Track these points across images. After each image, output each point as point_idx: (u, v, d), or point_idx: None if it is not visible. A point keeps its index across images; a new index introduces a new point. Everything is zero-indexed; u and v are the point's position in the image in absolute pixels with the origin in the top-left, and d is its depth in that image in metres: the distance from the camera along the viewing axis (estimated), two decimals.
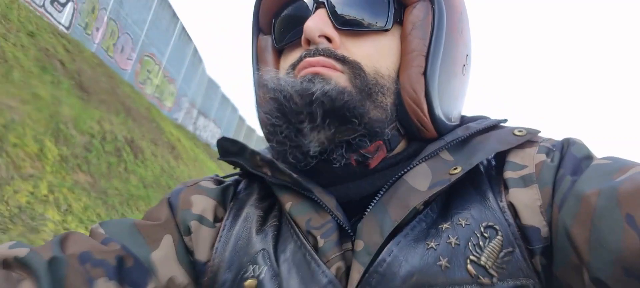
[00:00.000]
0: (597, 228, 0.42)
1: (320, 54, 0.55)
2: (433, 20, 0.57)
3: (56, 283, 0.47)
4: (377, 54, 0.57)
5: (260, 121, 0.61)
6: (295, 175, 0.55)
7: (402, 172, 0.55)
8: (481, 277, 0.46)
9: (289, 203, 0.57)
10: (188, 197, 0.61)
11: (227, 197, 0.63)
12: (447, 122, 0.59)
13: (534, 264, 0.47)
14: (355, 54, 0.56)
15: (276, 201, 0.61)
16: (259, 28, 0.67)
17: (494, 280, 0.46)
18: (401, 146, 0.59)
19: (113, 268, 0.51)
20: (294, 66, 0.57)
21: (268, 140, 0.58)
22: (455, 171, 0.52)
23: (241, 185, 0.65)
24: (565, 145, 0.53)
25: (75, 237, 0.54)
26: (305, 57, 0.55)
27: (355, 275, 0.48)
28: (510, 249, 0.48)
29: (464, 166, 0.53)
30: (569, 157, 0.51)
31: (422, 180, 0.53)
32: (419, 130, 0.58)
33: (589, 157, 0.52)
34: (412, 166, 0.55)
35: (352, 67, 0.54)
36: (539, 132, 0.57)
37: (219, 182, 0.65)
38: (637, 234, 0.39)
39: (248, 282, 0.52)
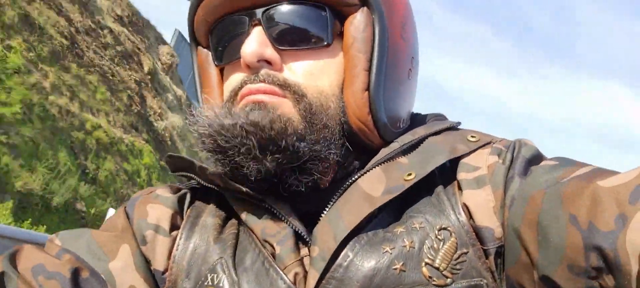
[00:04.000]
0: (543, 228, 0.43)
1: (261, 80, 0.54)
2: (373, 32, 0.56)
3: None
4: (320, 71, 0.56)
5: (202, 149, 0.59)
6: (244, 189, 0.55)
7: (356, 177, 0.55)
8: (435, 279, 0.47)
9: (245, 213, 0.57)
10: (144, 206, 0.60)
11: (184, 205, 0.62)
12: (394, 130, 0.59)
13: (489, 264, 0.48)
14: (297, 74, 0.55)
15: (232, 212, 0.61)
16: (197, 41, 0.65)
17: (448, 281, 0.47)
18: (351, 157, 0.59)
19: (67, 280, 0.50)
20: (235, 93, 0.56)
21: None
22: (410, 177, 0.53)
23: (199, 193, 0.64)
24: (517, 146, 0.54)
25: (27, 251, 0.53)
26: (246, 83, 0.55)
27: (311, 280, 0.49)
28: (465, 251, 0.48)
29: (419, 172, 0.53)
30: (519, 158, 0.52)
31: (376, 185, 0.53)
32: (366, 143, 0.58)
33: (538, 157, 0.53)
34: (366, 171, 0.55)
35: (294, 92, 0.54)
36: (492, 136, 0.58)
37: (176, 189, 0.65)
38: (580, 233, 0.40)
39: None
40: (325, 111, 0.55)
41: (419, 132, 0.59)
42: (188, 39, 0.67)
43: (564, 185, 0.44)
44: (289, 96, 0.54)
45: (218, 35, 0.60)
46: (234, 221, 0.59)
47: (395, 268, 0.48)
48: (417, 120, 0.65)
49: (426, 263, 0.48)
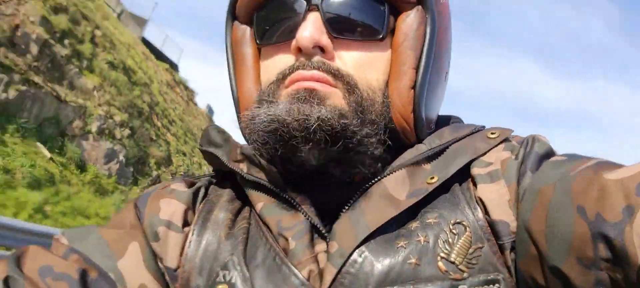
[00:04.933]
0: (552, 220, 0.44)
1: (314, 68, 0.53)
2: (425, 32, 0.57)
3: None
4: (369, 64, 0.56)
5: (247, 134, 0.58)
6: (274, 169, 0.55)
7: (380, 177, 0.54)
8: (452, 273, 0.47)
9: (261, 203, 0.56)
10: (156, 201, 0.59)
11: (197, 200, 0.61)
12: (427, 129, 0.59)
13: (505, 258, 0.49)
14: (348, 64, 0.55)
15: (246, 203, 0.60)
16: (234, 16, 0.63)
17: (465, 275, 0.47)
18: (384, 154, 0.58)
19: (76, 282, 0.49)
20: (284, 76, 0.55)
21: (258, 151, 0.57)
22: (433, 180, 0.53)
23: (212, 187, 0.63)
24: (530, 142, 0.54)
25: (33, 252, 0.52)
26: (297, 68, 0.54)
27: (328, 276, 0.49)
28: (480, 245, 0.49)
29: (441, 176, 0.53)
30: (532, 154, 0.53)
31: (400, 188, 0.53)
32: (401, 140, 0.58)
33: (550, 153, 0.54)
34: (391, 171, 0.55)
35: (346, 82, 0.54)
36: (512, 131, 0.58)
37: (191, 183, 0.63)
38: (587, 224, 0.41)
39: (220, 287, 0.51)
40: (372, 105, 0.55)
41: (446, 135, 0.58)
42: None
43: (573, 179, 0.44)
44: (340, 86, 0.53)
45: (268, 13, 0.59)
46: (244, 215, 0.59)
47: (410, 263, 0.48)
48: (440, 122, 0.65)
49: (441, 258, 0.48)
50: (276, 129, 0.52)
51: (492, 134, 0.57)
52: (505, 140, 0.57)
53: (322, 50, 0.54)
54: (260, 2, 0.59)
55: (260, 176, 0.57)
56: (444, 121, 0.65)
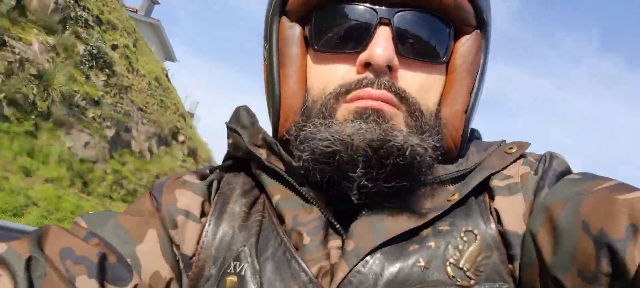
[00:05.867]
0: (558, 234, 0.45)
1: (385, 88, 0.52)
2: (482, 58, 0.57)
3: (35, 281, 0.46)
4: (429, 87, 0.56)
5: (297, 142, 0.55)
6: (295, 163, 0.54)
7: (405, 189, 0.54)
8: (459, 279, 0.48)
9: (278, 196, 0.56)
10: (172, 191, 0.60)
11: (212, 192, 0.62)
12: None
13: (513, 269, 0.49)
14: (411, 86, 0.54)
15: (260, 195, 0.60)
16: (284, 10, 0.59)
17: (472, 282, 0.48)
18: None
19: (95, 266, 0.50)
20: (348, 90, 0.53)
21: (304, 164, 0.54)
22: (453, 197, 0.53)
23: (224, 180, 0.64)
24: (548, 159, 0.55)
25: (55, 232, 0.52)
26: (366, 85, 0.52)
27: (340, 273, 0.49)
28: (489, 254, 0.50)
29: (461, 192, 0.54)
30: (550, 171, 0.53)
31: (423, 202, 0.53)
32: (443, 158, 0.57)
33: (567, 171, 0.54)
34: (418, 186, 0.54)
35: (411, 105, 0.53)
36: (529, 144, 0.59)
37: (202, 176, 0.64)
38: (591, 239, 0.41)
39: (229, 279, 0.52)
40: (430, 129, 0.54)
41: (472, 157, 0.58)
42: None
43: (584, 197, 0.45)
44: (403, 109, 0.53)
45: (331, 17, 0.56)
46: (258, 207, 0.59)
47: (419, 266, 0.49)
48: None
49: (450, 263, 0.49)
50: (336, 152, 0.50)
51: (510, 149, 0.58)
52: (522, 155, 0.58)
53: (390, 68, 0.53)
54: (319, 3, 0.56)
55: (279, 166, 0.56)
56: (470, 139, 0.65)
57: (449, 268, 0.48)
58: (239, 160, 0.63)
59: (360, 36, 0.53)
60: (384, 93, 0.52)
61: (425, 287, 0.48)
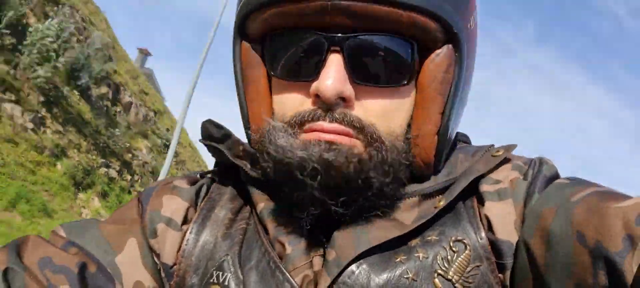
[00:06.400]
0: (552, 245, 0.44)
1: (336, 121, 0.49)
2: (454, 73, 0.53)
3: None
4: (393, 112, 0.52)
5: (258, 151, 0.56)
6: (252, 173, 0.54)
7: (390, 201, 0.53)
8: None
9: (262, 204, 0.56)
10: (159, 197, 0.59)
11: (200, 198, 0.61)
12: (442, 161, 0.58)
13: (503, 279, 0.48)
14: (371, 112, 0.51)
15: (247, 202, 0.60)
16: (244, 33, 0.58)
17: None
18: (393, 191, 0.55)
19: (75, 276, 0.49)
20: (301, 121, 0.51)
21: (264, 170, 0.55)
22: (439, 204, 0.52)
23: (214, 185, 0.63)
24: (537, 164, 0.54)
25: (33, 242, 0.51)
26: (318, 118, 0.50)
27: (323, 284, 0.48)
28: (478, 264, 0.48)
29: (447, 199, 0.52)
30: (540, 176, 0.52)
31: (409, 214, 0.52)
32: (416, 174, 0.56)
33: (556, 176, 0.53)
34: (404, 196, 0.54)
35: (368, 135, 0.50)
36: (515, 146, 0.57)
37: (193, 181, 0.63)
38: (587, 251, 0.40)
39: None
40: (394, 152, 0.52)
41: (459, 165, 0.56)
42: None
43: (575, 204, 0.44)
44: (361, 138, 0.50)
45: (282, 45, 0.54)
46: (244, 215, 0.58)
47: (407, 278, 0.47)
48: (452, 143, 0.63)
49: (438, 275, 0.48)
50: (289, 164, 0.49)
51: (496, 152, 0.56)
52: (510, 158, 0.57)
53: (343, 99, 0.50)
54: (273, 28, 0.54)
55: (261, 174, 0.56)
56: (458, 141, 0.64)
57: (436, 280, 0.47)
58: (229, 166, 0.63)
59: (312, 64, 0.51)
60: (336, 126, 0.49)
61: None
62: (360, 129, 0.50)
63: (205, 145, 0.61)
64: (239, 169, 0.58)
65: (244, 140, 0.62)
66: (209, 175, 0.65)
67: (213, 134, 0.60)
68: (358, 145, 0.50)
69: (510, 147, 0.57)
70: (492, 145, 0.59)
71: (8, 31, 8.18)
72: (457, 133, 0.64)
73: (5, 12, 8.09)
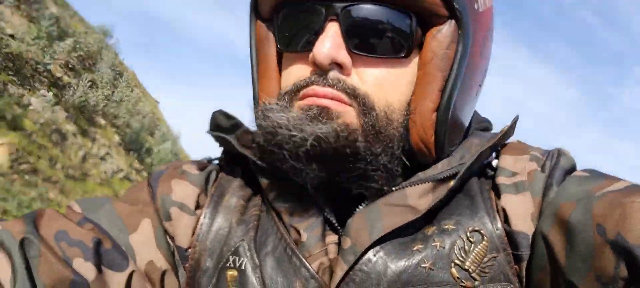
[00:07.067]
0: (572, 237, 0.44)
1: (329, 85, 0.50)
2: (456, 50, 0.52)
3: (31, 261, 0.45)
4: (391, 84, 0.52)
5: (258, 127, 0.56)
6: (289, 160, 0.53)
7: (405, 185, 0.53)
8: (464, 281, 0.47)
9: (274, 192, 0.56)
10: (168, 182, 0.59)
11: (209, 183, 0.61)
12: (450, 147, 0.56)
13: (519, 269, 0.49)
14: (368, 82, 0.51)
15: (257, 190, 0.60)
16: (257, 12, 0.59)
17: (476, 283, 0.47)
18: (393, 167, 0.55)
19: (90, 250, 0.49)
20: (298, 88, 0.52)
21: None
22: (451, 184, 0.52)
23: (223, 172, 0.63)
24: (555, 155, 0.54)
25: (50, 215, 0.51)
26: (312, 83, 0.51)
27: (339, 271, 0.49)
28: (495, 255, 0.49)
29: (461, 179, 0.53)
30: (558, 168, 0.52)
31: (422, 200, 0.52)
32: (418, 157, 0.55)
33: (573, 168, 0.53)
34: (417, 182, 0.53)
35: (362, 103, 0.50)
36: (517, 116, 0.58)
37: (201, 166, 0.63)
38: (608, 243, 0.41)
39: (230, 273, 0.52)
40: (389, 125, 0.52)
41: (474, 149, 0.56)
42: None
43: (596, 199, 0.44)
44: (355, 106, 0.50)
45: (287, 18, 0.55)
46: (256, 202, 0.58)
47: (424, 267, 0.48)
48: (471, 124, 0.63)
49: (455, 264, 0.48)
50: (276, 133, 0.50)
51: (503, 130, 0.56)
52: (528, 150, 0.56)
53: (339, 65, 0.51)
54: (279, 3, 0.55)
55: (272, 163, 0.55)
56: (474, 125, 0.63)
57: (453, 269, 0.48)
58: (237, 154, 0.62)
59: (312, 34, 0.52)
60: (329, 91, 0.50)
61: (429, 287, 0.47)
62: (354, 96, 0.50)
63: (213, 136, 0.61)
64: (247, 158, 0.58)
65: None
66: (217, 162, 0.65)
67: (222, 124, 0.60)
68: (350, 112, 0.50)
69: (513, 123, 0.57)
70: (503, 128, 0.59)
71: None
72: (477, 116, 0.64)
73: None
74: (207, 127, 0.62)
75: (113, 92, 9.37)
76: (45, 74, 7.75)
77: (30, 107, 6.89)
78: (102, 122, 8.78)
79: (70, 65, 8.61)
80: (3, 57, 6.72)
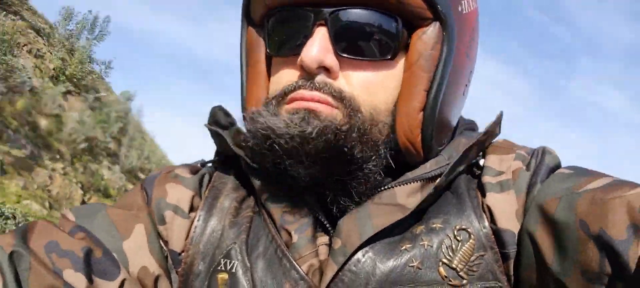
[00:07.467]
0: (557, 233, 0.44)
1: (316, 88, 0.51)
2: (441, 51, 0.53)
3: (21, 274, 0.46)
4: (377, 85, 0.53)
5: (248, 131, 0.56)
6: (278, 161, 0.53)
7: (393, 185, 0.54)
8: (452, 279, 0.48)
9: (266, 193, 0.56)
10: (163, 185, 0.59)
11: (203, 186, 0.61)
12: (438, 147, 0.57)
13: (506, 268, 0.49)
14: (354, 85, 0.53)
15: (251, 192, 0.60)
16: (249, 18, 0.60)
17: (464, 282, 0.48)
18: (378, 171, 0.55)
19: (80, 260, 0.49)
20: (286, 92, 0.53)
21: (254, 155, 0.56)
22: (439, 182, 0.53)
23: (216, 174, 0.63)
24: (540, 154, 0.54)
25: (41, 227, 0.52)
26: (299, 87, 0.52)
27: (329, 272, 0.49)
28: (482, 253, 0.49)
29: (447, 177, 0.53)
30: (543, 166, 0.53)
31: (411, 199, 0.53)
32: (407, 157, 0.56)
33: (558, 166, 0.54)
34: (405, 181, 0.54)
35: (349, 106, 0.51)
36: (501, 112, 0.58)
37: (194, 170, 0.63)
38: (591, 240, 0.41)
39: (220, 276, 0.52)
40: (375, 127, 0.53)
41: (461, 148, 0.56)
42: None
43: (579, 196, 0.44)
44: (341, 108, 0.51)
45: (277, 23, 0.56)
46: (250, 203, 0.59)
47: (412, 266, 0.49)
48: (459, 126, 0.63)
49: (443, 263, 0.49)
50: (268, 137, 0.51)
51: (488, 129, 0.57)
52: (514, 149, 0.57)
53: (327, 69, 0.52)
54: (269, 9, 0.56)
55: (264, 164, 0.56)
56: (461, 125, 0.64)
57: (441, 268, 0.48)
58: (229, 155, 0.63)
59: (301, 38, 0.53)
60: (316, 94, 0.51)
61: (417, 286, 0.48)
62: (340, 99, 0.51)
63: (210, 130, 0.61)
64: (240, 159, 0.59)
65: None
66: (210, 165, 0.66)
67: (220, 120, 0.61)
68: (337, 115, 0.51)
69: (497, 120, 0.58)
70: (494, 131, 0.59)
71: None
72: (463, 120, 0.65)
73: None
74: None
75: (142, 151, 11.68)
76: (104, 149, 10.20)
77: (105, 177, 9.34)
78: (142, 175, 11.10)
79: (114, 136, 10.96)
80: (81, 142, 9.11)
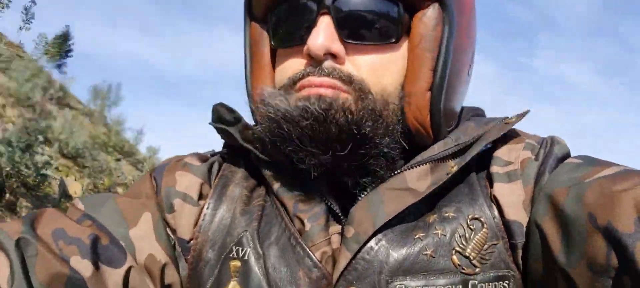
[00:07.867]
0: (565, 226, 0.44)
1: (325, 74, 0.52)
2: (443, 31, 0.54)
3: (28, 260, 0.46)
4: (384, 68, 0.54)
5: (259, 119, 0.56)
6: (292, 144, 0.53)
7: (403, 169, 0.54)
8: (465, 268, 0.48)
9: (278, 183, 0.56)
10: (172, 173, 0.59)
11: (212, 175, 0.61)
12: (447, 128, 0.58)
13: (516, 257, 0.50)
14: (362, 68, 0.53)
15: (261, 181, 0.60)
16: (252, 14, 0.61)
17: (477, 270, 0.48)
18: (395, 154, 0.56)
19: (87, 247, 0.49)
20: (294, 81, 0.54)
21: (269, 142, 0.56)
22: (452, 169, 0.53)
23: (226, 163, 0.64)
24: (549, 143, 0.55)
25: (49, 214, 0.52)
26: (308, 74, 0.53)
27: (342, 260, 0.49)
28: (495, 242, 0.50)
29: (460, 163, 0.54)
30: (552, 156, 0.53)
31: (422, 182, 0.53)
32: (417, 139, 0.57)
33: (567, 155, 0.54)
34: (415, 164, 0.54)
35: (359, 88, 0.52)
36: (528, 111, 0.58)
37: (204, 158, 0.63)
38: (599, 233, 0.40)
39: (233, 263, 0.52)
40: (386, 108, 0.54)
41: (470, 131, 0.57)
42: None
43: (587, 186, 0.44)
44: (351, 92, 0.52)
45: (280, 16, 0.57)
46: (261, 192, 0.59)
47: (425, 254, 0.49)
48: (464, 113, 0.64)
49: (456, 251, 0.49)
50: (281, 123, 0.51)
51: (509, 119, 0.57)
52: (523, 138, 0.57)
53: (333, 55, 0.53)
54: (272, 3, 0.57)
55: (275, 156, 0.56)
56: (467, 112, 0.64)
57: (454, 257, 0.49)
58: (238, 148, 0.63)
59: (305, 29, 0.54)
60: (325, 80, 0.52)
61: (431, 274, 0.48)
62: (350, 82, 0.52)
63: (216, 127, 0.61)
64: (249, 152, 0.59)
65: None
66: (219, 154, 0.66)
67: (224, 116, 0.60)
68: (348, 98, 0.52)
69: (521, 115, 0.58)
70: (507, 116, 0.60)
71: None
72: (467, 107, 0.66)
73: None
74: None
75: None
76: None
77: None
78: None
79: None
80: None
